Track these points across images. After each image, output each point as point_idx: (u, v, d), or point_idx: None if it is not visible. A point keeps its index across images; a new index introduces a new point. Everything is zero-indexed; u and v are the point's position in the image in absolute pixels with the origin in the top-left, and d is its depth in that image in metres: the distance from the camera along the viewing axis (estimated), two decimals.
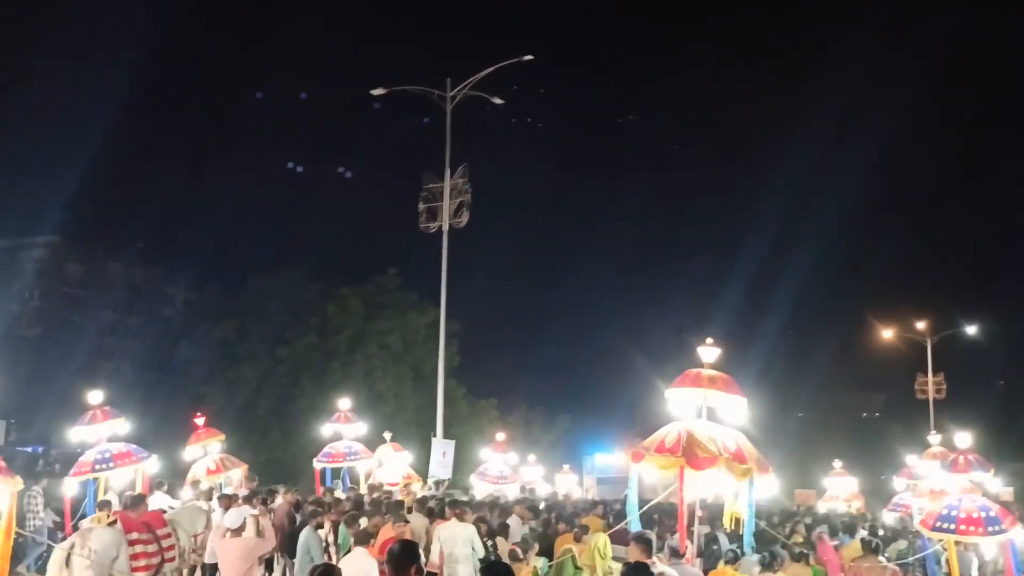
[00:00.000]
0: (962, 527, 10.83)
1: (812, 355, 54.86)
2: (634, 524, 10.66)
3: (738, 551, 10.19)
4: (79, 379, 30.43)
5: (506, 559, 10.25)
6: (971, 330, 43.38)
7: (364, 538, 9.50)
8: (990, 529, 10.76)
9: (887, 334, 43.83)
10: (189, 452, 17.09)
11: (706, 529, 12.57)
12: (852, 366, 56.08)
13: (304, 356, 36.05)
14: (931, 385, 41.13)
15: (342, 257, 52.96)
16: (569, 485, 27.81)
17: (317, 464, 19.39)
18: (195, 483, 15.73)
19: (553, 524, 13.61)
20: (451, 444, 23.12)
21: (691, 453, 9.28)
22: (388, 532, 10.55)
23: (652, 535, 8.83)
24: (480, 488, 21.46)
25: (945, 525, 10.95)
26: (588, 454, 41.59)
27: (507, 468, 22.75)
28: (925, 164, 73.45)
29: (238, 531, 10.36)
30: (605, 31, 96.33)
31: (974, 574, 12.90)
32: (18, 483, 8.73)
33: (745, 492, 10.41)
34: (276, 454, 33.29)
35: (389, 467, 19.29)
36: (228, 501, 11.46)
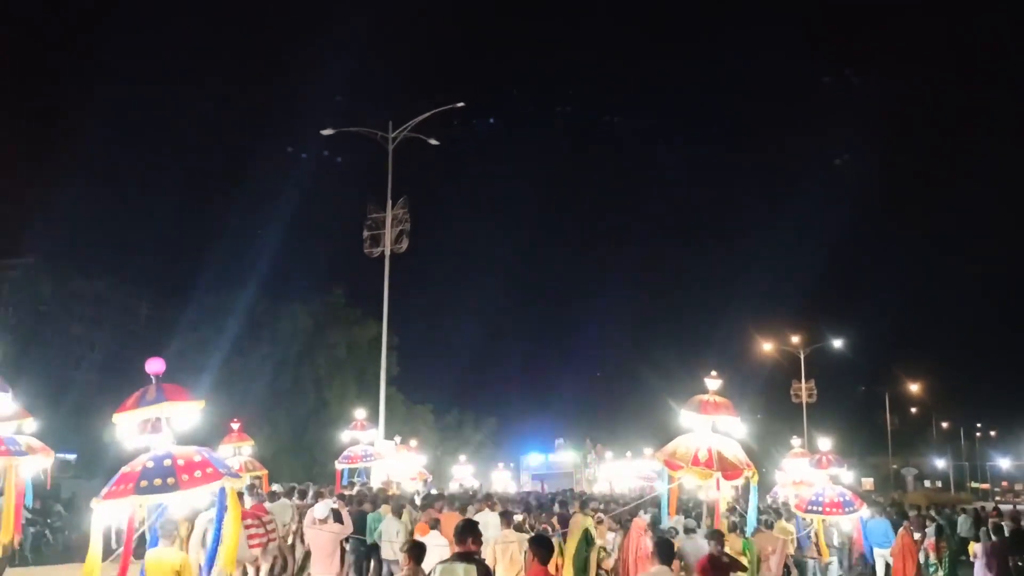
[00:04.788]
0: (827, 509, 14.00)
1: (706, 366, 58.29)
2: (664, 514, 12.65)
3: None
4: (50, 388, 31.24)
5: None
6: (837, 343, 47.52)
7: (435, 523, 12.07)
8: (847, 510, 14.08)
9: (767, 347, 47.48)
10: (222, 451, 18.58)
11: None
12: (739, 373, 59.97)
13: (258, 366, 37.43)
14: (804, 390, 45.16)
15: (293, 278, 54.25)
16: (505, 481, 29.47)
17: (339, 465, 21.15)
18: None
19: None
20: (391, 445, 24.56)
21: (724, 467, 11.57)
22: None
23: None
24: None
25: (815, 508, 14.23)
26: (522, 453, 43.75)
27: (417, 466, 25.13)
28: (805, 201, 79.65)
29: (325, 520, 12.05)
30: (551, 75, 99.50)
31: (835, 543, 15.83)
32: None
33: (750, 489, 12.73)
34: None
35: (402, 466, 21.50)
36: (318, 497, 13.51)
